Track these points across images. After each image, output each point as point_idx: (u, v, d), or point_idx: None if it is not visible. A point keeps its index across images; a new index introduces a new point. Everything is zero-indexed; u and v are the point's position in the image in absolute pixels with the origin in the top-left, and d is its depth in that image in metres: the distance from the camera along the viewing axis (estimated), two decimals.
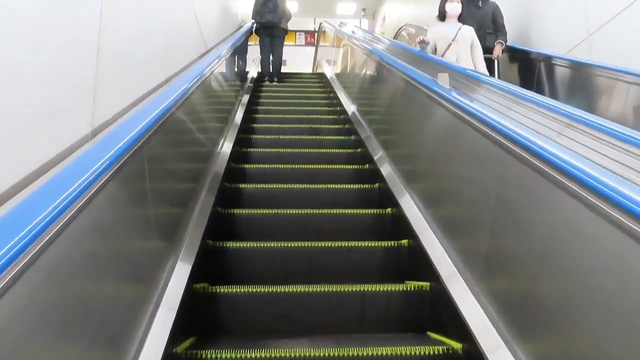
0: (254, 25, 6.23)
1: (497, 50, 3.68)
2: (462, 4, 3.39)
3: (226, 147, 2.78)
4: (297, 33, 11.92)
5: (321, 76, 6.00)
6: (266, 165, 2.82)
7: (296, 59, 10.85)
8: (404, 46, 3.64)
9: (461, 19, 3.39)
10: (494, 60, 3.67)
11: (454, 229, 1.61)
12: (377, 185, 2.56)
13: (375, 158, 2.68)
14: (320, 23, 6.92)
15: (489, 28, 3.73)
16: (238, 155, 2.95)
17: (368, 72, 3.60)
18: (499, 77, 3.59)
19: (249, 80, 5.11)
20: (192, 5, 3.35)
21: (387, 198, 2.30)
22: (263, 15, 5.83)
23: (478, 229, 1.41)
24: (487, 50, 3.60)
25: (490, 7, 3.78)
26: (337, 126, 3.73)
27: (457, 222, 1.61)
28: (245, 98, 4.17)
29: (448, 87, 1.82)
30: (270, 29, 5.94)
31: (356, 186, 2.62)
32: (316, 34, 7.53)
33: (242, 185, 2.53)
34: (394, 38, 6.99)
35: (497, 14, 3.76)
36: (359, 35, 4.34)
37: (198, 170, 2.12)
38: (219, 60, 2.94)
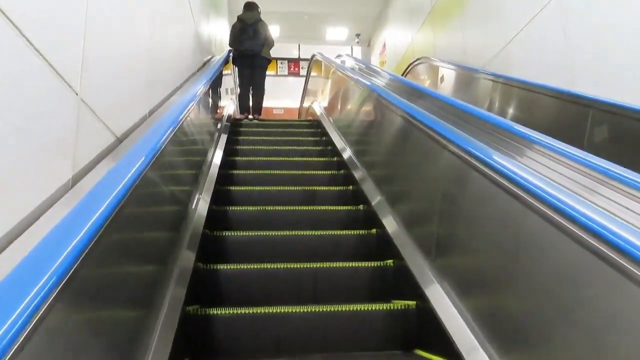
0: (231, 54, 5.94)
1: None
2: None
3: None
4: (279, 61, 11.66)
5: (316, 125, 5.50)
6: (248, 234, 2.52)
7: (278, 92, 10.54)
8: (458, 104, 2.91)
9: None
10: None
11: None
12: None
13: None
14: (313, 55, 6.55)
15: None
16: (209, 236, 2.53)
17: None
18: None
19: (224, 121, 4.65)
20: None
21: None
22: (242, 43, 5.73)
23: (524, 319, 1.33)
24: None
25: None
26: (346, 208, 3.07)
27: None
28: (218, 155, 3.60)
29: None
30: (250, 58, 5.80)
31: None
32: (308, 67, 7.13)
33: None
34: (403, 74, 6.66)
35: None
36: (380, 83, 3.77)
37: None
38: (187, 111, 2.45)
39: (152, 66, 2.62)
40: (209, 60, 5.28)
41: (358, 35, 11.13)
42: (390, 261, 2.20)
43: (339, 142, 4.07)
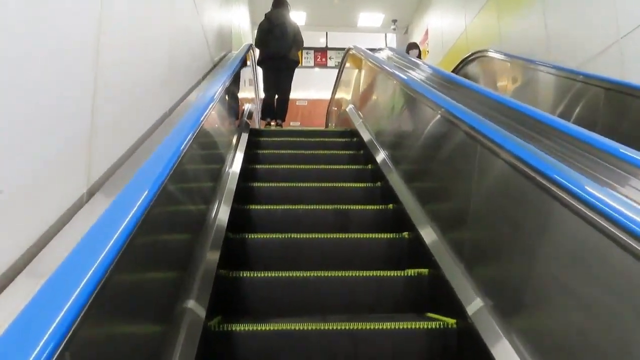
0: (256, 56, 5.28)
1: None
2: None
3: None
4: (304, 51, 10.62)
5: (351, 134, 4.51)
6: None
7: (302, 84, 9.55)
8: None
9: None
10: None
11: None
12: None
13: None
14: (348, 49, 5.50)
15: None
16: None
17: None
18: None
19: (243, 130, 3.73)
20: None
21: None
22: (268, 44, 5.46)
23: None
24: None
25: None
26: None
27: None
28: (236, 171, 2.69)
29: None
30: (276, 61, 5.53)
31: None
32: (341, 64, 6.11)
33: None
34: (453, 71, 5.59)
35: None
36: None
37: None
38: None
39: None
40: (223, 58, 4.33)
41: (394, 21, 9.97)
42: (452, 321, 1.72)
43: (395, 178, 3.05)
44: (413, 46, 6.18)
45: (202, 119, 2.06)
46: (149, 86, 1.93)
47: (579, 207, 1.14)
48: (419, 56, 6.05)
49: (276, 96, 5.77)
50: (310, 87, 12.23)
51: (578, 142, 1.49)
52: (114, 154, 1.54)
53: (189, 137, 1.77)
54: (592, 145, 1.44)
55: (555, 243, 1.29)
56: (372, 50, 5.37)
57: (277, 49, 5.40)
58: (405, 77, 2.98)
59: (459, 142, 2.19)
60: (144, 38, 1.91)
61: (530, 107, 2.04)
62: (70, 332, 0.74)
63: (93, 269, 0.86)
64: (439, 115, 2.34)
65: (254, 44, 5.67)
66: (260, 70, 6.02)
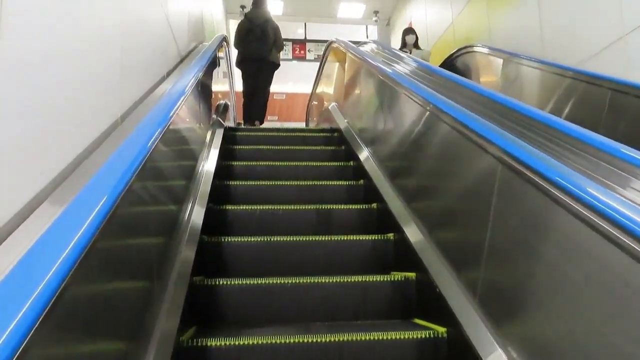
0: (223, 42, 4.81)
1: None
2: None
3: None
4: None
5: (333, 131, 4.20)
6: None
7: (280, 77, 9.17)
8: None
9: None
10: None
11: None
12: None
13: None
14: (330, 42, 5.18)
15: None
16: None
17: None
18: None
19: (216, 128, 3.40)
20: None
21: None
22: (247, 45, 5.35)
23: None
24: None
25: None
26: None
27: None
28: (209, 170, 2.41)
29: None
30: (255, 63, 5.40)
31: None
32: (322, 59, 5.79)
33: None
34: (440, 66, 5.32)
35: None
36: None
37: None
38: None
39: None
40: (193, 50, 3.95)
41: (376, 12, 9.64)
42: (443, 329, 1.67)
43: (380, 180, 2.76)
44: (410, 31, 5.77)
45: (163, 126, 1.72)
46: (88, 91, 1.57)
47: (578, 207, 1.12)
48: (416, 42, 5.69)
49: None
50: (288, 80, 11.85)
51: (569, 138, 1.46)
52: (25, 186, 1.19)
53: (150, 143, 1.44)
54: (584, 141, 1.41)
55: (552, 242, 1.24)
56: (355, 43, 5.06)
57: (258, 50, 5.27)
58: (399, 76, 2.67)
59: (451, 139, 1.94)
60: (76, 32, 1.55)
61: (525, 104, 1.83)
62: None
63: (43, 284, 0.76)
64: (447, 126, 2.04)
65: (233, 43, 5.56)
66: (238, 71, 5.81)
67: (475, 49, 4.83)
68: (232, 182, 2.86)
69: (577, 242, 1.13)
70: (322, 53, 5.89)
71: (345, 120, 4.16)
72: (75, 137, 1.43)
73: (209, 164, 2.84)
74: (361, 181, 3.02)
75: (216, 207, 2.49)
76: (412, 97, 2.54)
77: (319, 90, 6.52)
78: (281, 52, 10.40)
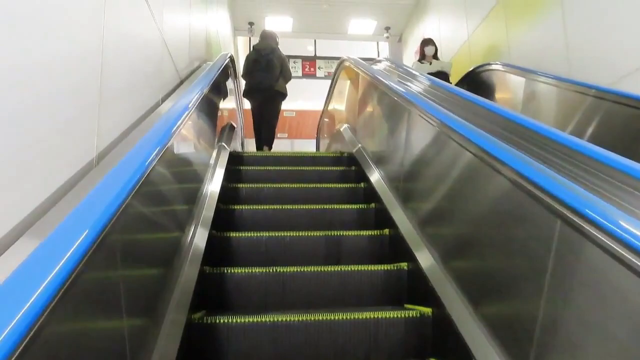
0: (227, 60, 4.60)
1: None
2: None
3: None
4: (292, 59, 10.03)
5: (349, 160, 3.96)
6: None
7: (290, 95, 8.97)
8: None
9: None
10: None
11: None
12: None
13: None
14: (342, 60, 4.95)
15: None
16: None
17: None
18: None
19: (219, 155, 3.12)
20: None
21: None
22: (253, 75, 5.40)
23: None
24: None
25: None
26: None
27: None
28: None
29: None
30: (262, 92, 5.43)
31: None
32: (333, 77, 5.59)
33: None
34: (457, 83, 5.07)
35: None
36: None
37: None
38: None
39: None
40: (197, 69, 3.73)
41: (387, 29, 9.42)
42: None
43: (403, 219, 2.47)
44: (429, 42, 5.46)
45: (147, 165, 1.46)
46: (36, 131, 1.31)
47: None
48: (436, 53, 5.43)
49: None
50: (298, 98, 11.64)
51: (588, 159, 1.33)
52: None
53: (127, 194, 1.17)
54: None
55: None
56: (367, 60, 4.82)
57: (263, 80, 5.34)
58: (416, 98, 2.39)
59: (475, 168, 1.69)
60: (24, 59, 1.30)
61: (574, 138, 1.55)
62: None
63: None
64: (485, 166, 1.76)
65: (241, 74, 5.72)
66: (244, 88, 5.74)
67: (495, 66, 4.56)
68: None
69: None
70: (332, 70, 5.69)
71: (359, 145, 3.89)
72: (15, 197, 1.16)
73: (208, 209, 2.58)
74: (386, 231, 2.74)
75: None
76: (428, 120, 2.27)
77: (330, 107, 6.31)
78: (290, 67, 10.28)
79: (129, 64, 2.02)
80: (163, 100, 2.60)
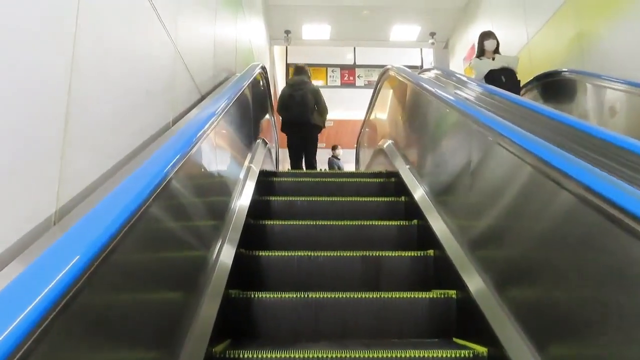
0: (257, 70, 4.18)
1: None
2: None
3: None
4: (330, 69, 9.58)
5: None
6: None
7: (328, 104, 8.50)
8: None
9: None
10: None
11: None
12: None
13: None
14: (385, 69, 4.43)
15: None
16: None
17: None
18: None
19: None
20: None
21: None
22: (289, 110, 5.49)
23: None
24: None
25: None
26: None
27: None
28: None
29: None
30: (298, 126, 5.48)
31: None
32: (375, 88, 5.10)
33: None
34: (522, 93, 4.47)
35: None
36: None
37: None
38: None
39: None
40: (224, 82, 3.30)
41: (433, 34, 8.84)
42: None
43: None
44: (489, 35, 4.77)
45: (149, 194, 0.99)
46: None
47: None
48: (497, 48, 4.74)
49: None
50: (336, 107, 11.18)
51: None
52: None
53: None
54: None
55: None
56: (412, 68, 4.29)
57: (298, 114, 5.39)
58: (503, 128, 1.84)
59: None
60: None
61: None
62: None
63: None
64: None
65: (276, 109, 5.71)
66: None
67: (569, 74, 3.94)
68: None
69: None
70: (372, 79, 5.19)
71: (407, 166, 3.36)
72: None
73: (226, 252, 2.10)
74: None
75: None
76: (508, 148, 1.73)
77: (372, 117, 5.85)
78: (328, 75, 9.82)
79: (121, 82, 1.56)
80: (174, 121, 2.15)
